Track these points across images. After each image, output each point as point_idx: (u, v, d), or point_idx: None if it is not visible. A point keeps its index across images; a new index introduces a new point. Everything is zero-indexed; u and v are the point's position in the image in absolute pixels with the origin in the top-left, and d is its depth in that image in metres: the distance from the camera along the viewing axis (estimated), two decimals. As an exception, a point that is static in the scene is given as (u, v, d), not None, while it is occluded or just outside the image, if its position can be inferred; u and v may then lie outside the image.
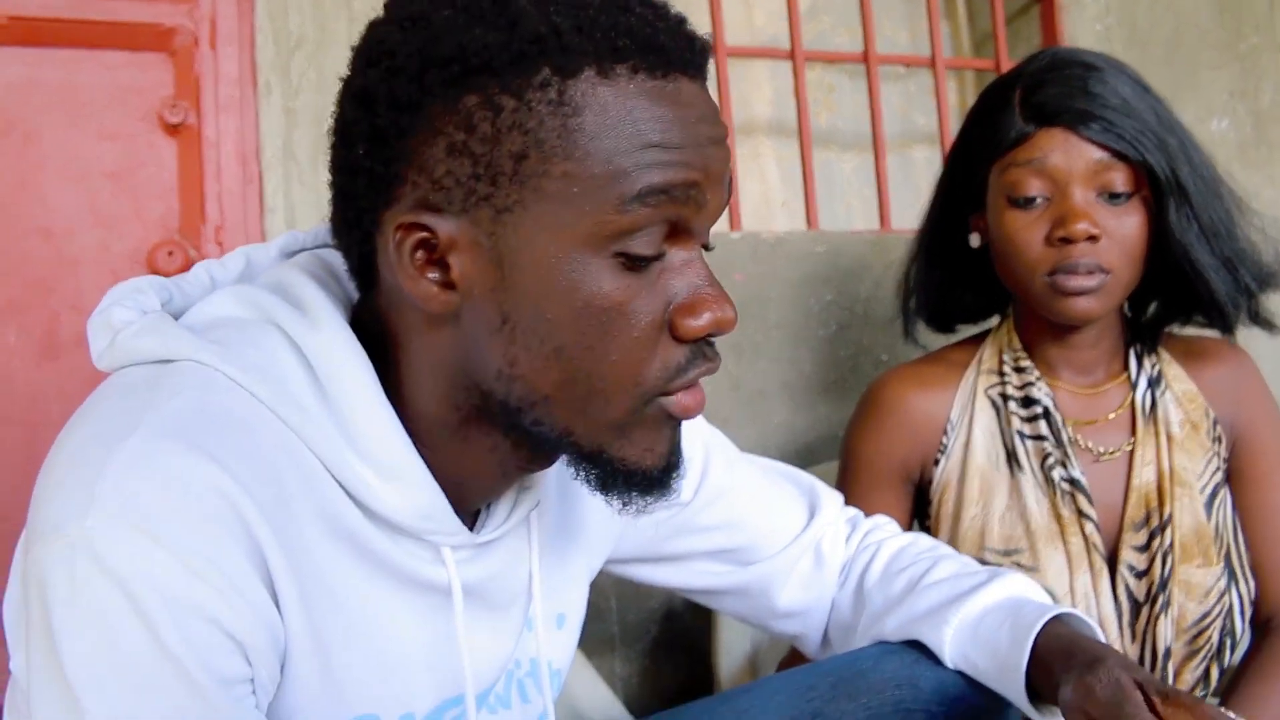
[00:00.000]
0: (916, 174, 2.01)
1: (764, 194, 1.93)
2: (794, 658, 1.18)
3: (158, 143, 1.43)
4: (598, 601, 1.52)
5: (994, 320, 1.30)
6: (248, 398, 0.64)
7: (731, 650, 1.38)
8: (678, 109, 0.64)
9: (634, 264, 0.64)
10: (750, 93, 1.94)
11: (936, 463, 1.24)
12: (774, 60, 1.87)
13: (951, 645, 0.87)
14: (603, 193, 0.62)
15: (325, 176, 0.70)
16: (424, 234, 0.64)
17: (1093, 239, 1.11)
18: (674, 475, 0.70)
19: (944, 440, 1.24)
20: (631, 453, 0.68)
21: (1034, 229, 1.13)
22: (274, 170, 1.42)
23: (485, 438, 0.70)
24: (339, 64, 0.71)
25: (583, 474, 0.70)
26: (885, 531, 1.03)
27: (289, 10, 1.44)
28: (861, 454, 1.26)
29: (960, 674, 0.88)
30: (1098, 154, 1.11)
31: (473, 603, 0.75)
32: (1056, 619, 0.85)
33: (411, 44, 0.62)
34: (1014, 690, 0.84)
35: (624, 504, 0.70)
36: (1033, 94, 1.14)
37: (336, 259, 0.73)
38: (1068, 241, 1.11)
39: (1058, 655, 0.81)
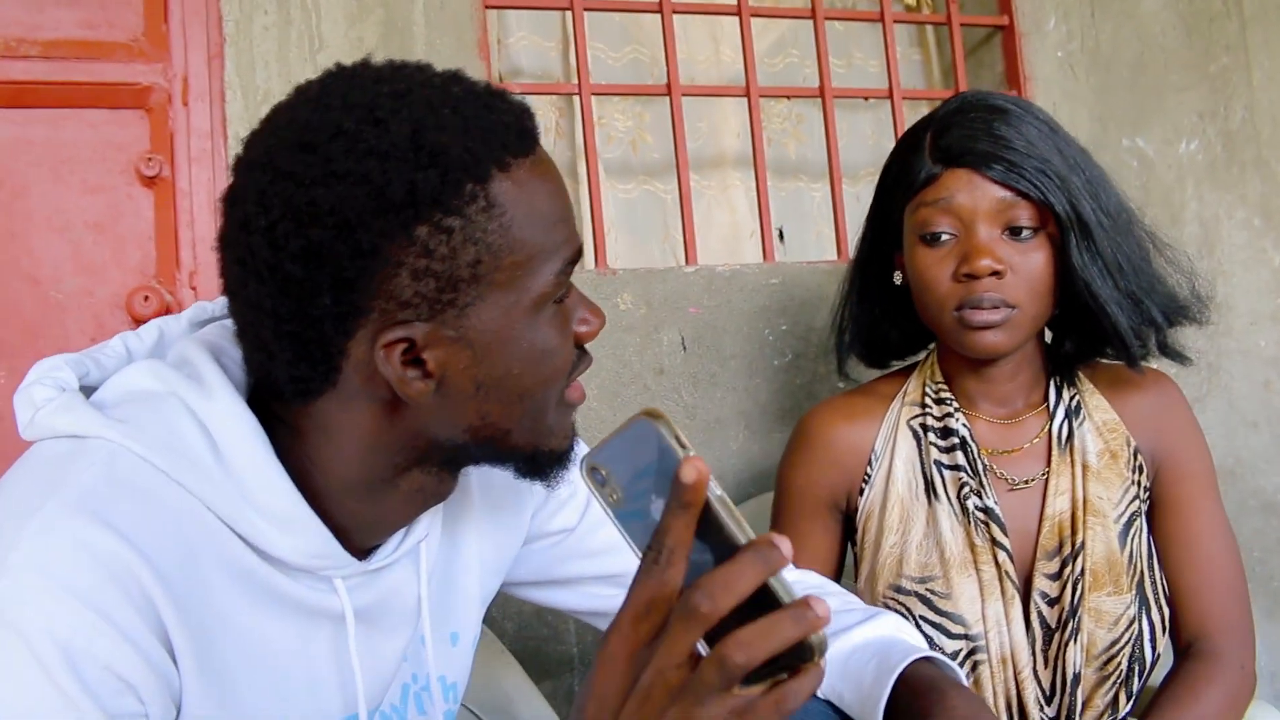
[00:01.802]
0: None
1: (733, 225, 1.99)
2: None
3: (135, 194, 1.53)
4: (557, 624, 1.59)
5: (921, 355, 1.35)
6: (150, 469, 0.73)
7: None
8: (552, 179, 0.77)
9: (558, 307, 0.79)
10: (719, 125, 2.01)
11: (862, 492, 1.28)
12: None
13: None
14: (540, 270, 0.76)
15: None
16: (404, 344, 0.73)
17: (997, 274, 1.16)
18: (575, 448, 0.85)
19: (869, 470, 1.28)
20: (556, 442, 0.83)
21: (943, 265, 1.18)
22: (244, 218, 1.51)
23: (412, 483, 0.82)
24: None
25: (514, 470, 0.83)
26: None
27: (256, 66, 1.53)
28: (792, 484, 1.31)
29: (828, 702, 0.94)
30: (1001, 193, 1.16)
31: (365, 625, 0.85)
32: (924, 661, 0.90)
33: (357, 198, 0.70)
34: None
35: (547, 483, 0.84)
36: (941, 137, 1.19)
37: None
38: (972, 277, 1.16)
39: (919, 695, 0.87)
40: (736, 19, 1.81)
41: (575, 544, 1.03)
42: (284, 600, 0.79)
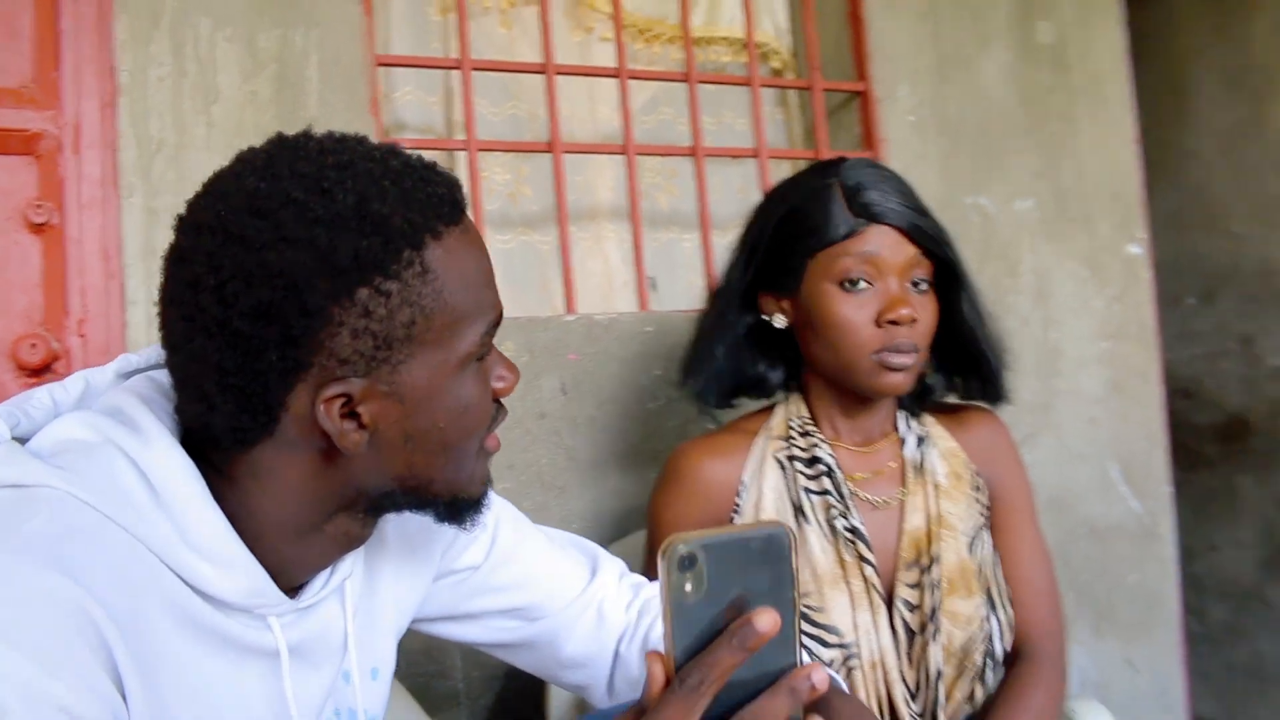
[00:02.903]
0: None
1: (606, 275, 2.09)
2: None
3: (23, 241, 1.53)
4: (444, 660, 1.65)
5: (760, 398, 1.46)
6: (94, 514, 0.77)
7: (562, 707, 1.52)
8: (479, 246, 0.85)
9: (479, 368, 0.86)
10: (595, 179, 2.10)
11: (732, 520, 1.39)
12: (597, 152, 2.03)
13: None
14: (467, 331, 0.83)
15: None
16: (342, 399, 0.80)
17: (913, 322, 1.30)
18: (489, 493, 0.93)
19: (738, 500, 1.39)
20: (473, 488, 0.90)
21: (863, 311, 1.31)
22: (136, 266, 1.53)
23: (338, 528, 0.88)
24: (199, 166, 0.83)
25: (434, 515, 0.89)
26: None
27: (150, 116, 1.56)
28: (664, 518, 1.40)
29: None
30: (912, 250, 1.31)
31: (297, 661, 0.90)
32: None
33: (305, 262, 0.76)
34: None
35: (463, 526, 0.91)
36: (858, 195, 1.31)
37: (164, 378, 0.87)
38: (895, 324, 1.30)
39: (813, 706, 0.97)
40: (615, 80, 1.92)
41: (481, 580, 1.10)
42: (222, 638, 0.83)
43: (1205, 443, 3.30)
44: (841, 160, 1.37)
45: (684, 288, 2.18)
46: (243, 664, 0.86)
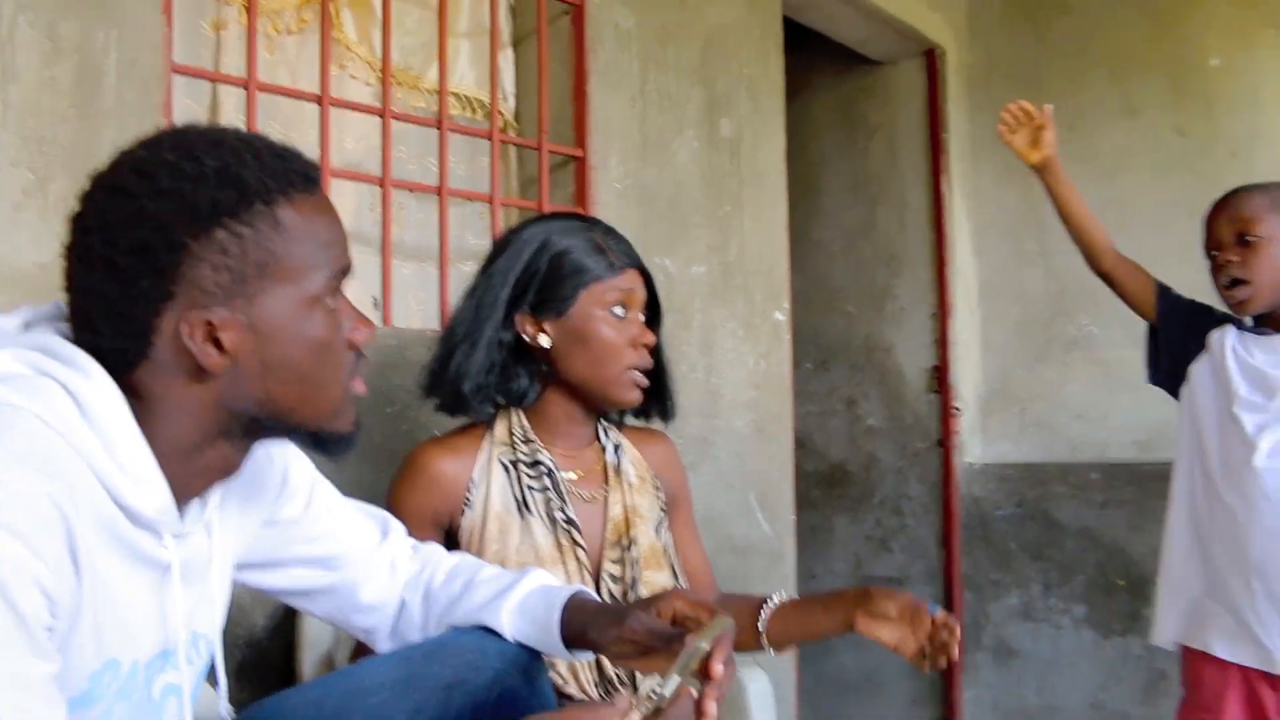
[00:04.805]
0: (464, 284, 2.42)
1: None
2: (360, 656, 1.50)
3: None
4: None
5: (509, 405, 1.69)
6: (51, 431, 0.92)
7: (314, 659, 1.69)
8: (330, 213, 1.05)
9: (329, 312, 1.01)
10: (339, 206, 2.28)
11: (464, 512, 1.61)
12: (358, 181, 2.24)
13: (508, 624, 1.26)
14: (313, 275, 0.99)
15: None
16: (204, 324, 0.96)
17: (652, 347, 1.65)
18: (356, 435, 1.08)
19: (469, 495, 1.61)
20: (338, 424, 1.05)
21: (624, 334, 1.62)
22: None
23: (218, 452, 1.03)
24: None
25: (302, 443, 1.05)
26: (440, 553, 1.41)
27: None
28: (403, 506, 1.59)
29: (520, 645, 1.26)
30: (644, 292, 1.67)
31: (180, 577, 1.04)
32: (576, 594, 1.27)
33: (174, 208, 0.95)
34: (554, 644, 1.25)
35: (329, 456, 1.07)
36: (615, 244, 1.64)
37: (67, 329, 1.01)
38: (647, 347, 1.63)
39: (587, 615, 1.24)
40: (377, 118, 2.14)
41: (299, 531, 1.26)
42: (130, 548, 0.98)
43: (811, 486, 3.91)
44: (589, 217, 1.69)
45: (401, 310, 2.40)
46: (141, 574, 1.00)
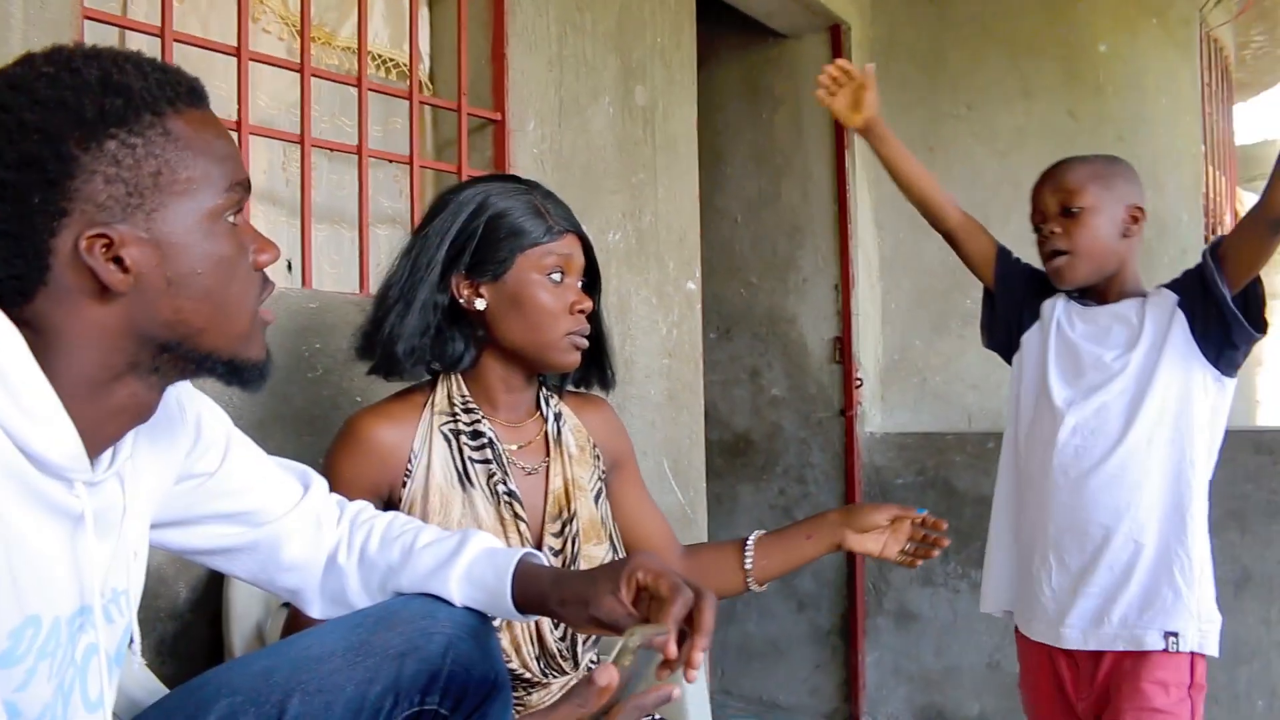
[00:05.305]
0: (379, 249, 2.38)
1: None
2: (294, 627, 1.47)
3: None
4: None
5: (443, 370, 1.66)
6: None
7: (244, 631, 1.65)
8: (220, 128, 1.02)
9: (231, 228, 0.99)
10: (250, 164, 2.21)
11: (404, 484, 1.58)
12: (271, 139, 2.17)
13: (457, 591, 1.24)
14: (211, 187, 0.97)
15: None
16: (104, 240, 0.93)
17: (590, 312, 1.63)
18: (268, 363, 1.06)
19: (409, 465, 1.58)
20: (251, 352, 1.03)
21: (560, 300, 1.59)
22: None
23: (127, 389, 0.99)
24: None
25: (220, 376, 1.02)
26: (370, 512, 1.38)
27: None
28: (340, 476, 1.54)
29: (469, 609, 1.24)
30: (583, 258, 1.64)
31: (94, 528, 1.00)
32: (525, 558, 1.26)
33: (58, 118, 0.91)
34: (505, 608, 1.23)
35: (246, 387, 1.05)
36: (552, 209, 1.61)
37: None
38: (583, 313, 1.61)
39: (544, 585, 1.23)
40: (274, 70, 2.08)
41: (215, 485, 1.21)
42: (38, 496, 0.93)
43: (715, 456, 3.95)
44: (529, 180, 1.67)
45: (314, 273, 2.34)
46: (53, 525, 0.96)
